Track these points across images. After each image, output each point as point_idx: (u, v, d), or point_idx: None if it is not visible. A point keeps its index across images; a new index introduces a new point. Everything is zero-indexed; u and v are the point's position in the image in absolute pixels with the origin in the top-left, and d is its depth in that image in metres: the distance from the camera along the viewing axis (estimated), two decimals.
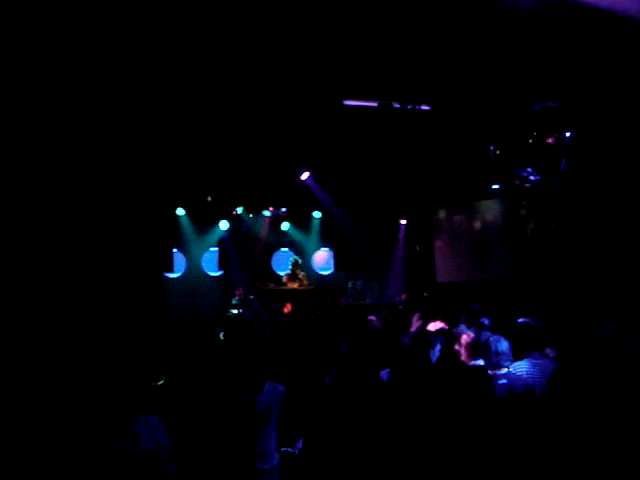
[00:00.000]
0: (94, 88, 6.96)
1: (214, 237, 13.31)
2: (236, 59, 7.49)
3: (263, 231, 13.84)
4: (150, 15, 6.32)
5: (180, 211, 12.59)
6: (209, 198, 12.70)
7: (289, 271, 12.38)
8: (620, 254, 9.20)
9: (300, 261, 12.55)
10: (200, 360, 4.88)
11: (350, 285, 13.22)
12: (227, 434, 3.67)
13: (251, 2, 6.07)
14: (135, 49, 6.80)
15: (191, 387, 4.16)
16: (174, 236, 12.17)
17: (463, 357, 4.76)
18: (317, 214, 13.76)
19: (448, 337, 5.09)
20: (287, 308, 10.67)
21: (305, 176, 12.24)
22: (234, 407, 3.76)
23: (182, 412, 3.88)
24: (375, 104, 9.07)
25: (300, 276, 12.23)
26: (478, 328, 6.36)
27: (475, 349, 4.65)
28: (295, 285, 12.03)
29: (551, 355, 4.81)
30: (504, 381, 4.12)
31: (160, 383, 4.02)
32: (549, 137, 7.51)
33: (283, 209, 13.67)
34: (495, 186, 11.70)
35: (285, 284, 12.20)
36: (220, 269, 13.18)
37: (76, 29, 5.97)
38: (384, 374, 4.37)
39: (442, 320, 6.12)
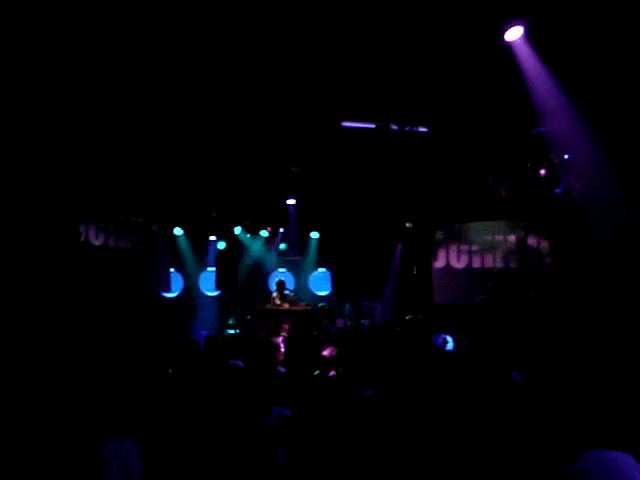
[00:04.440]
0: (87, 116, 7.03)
1: (211, 257, 13.29)
2: (237, 80, 7.57)
3: (260, 251, 13.85)
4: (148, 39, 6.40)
5: (178, 231, 12.59)
6: (214, 214, 12.78)
7: (275, 292, 12.17)
8: (620, 272, 9.17)
9: (284, 280, 12.43)
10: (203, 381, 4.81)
11: (348, 307, 13.09)
12: (227, 457, 3.59)
13: (247, 20, 6.15)
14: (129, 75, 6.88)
15: (193, 408, 4.09)
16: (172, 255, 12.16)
17: None
18: (315, 234, 13.77)
19: None
20: (284, 329, 10.62)
21: (291, 202, 12.48)
22: (237, 429, 3.66)
23: (182, 433, 3.81)
24: (373, 126, 9.14)
25: (287, 293, 12.10)
26: None
27: None
28: (287, 305, 11.93)
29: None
30: None
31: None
32: (546, 160, 7.58)
33: (281, 229, 13.68)
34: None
35: (280, 305, 12.12)
36: (217, 289, 13.13)
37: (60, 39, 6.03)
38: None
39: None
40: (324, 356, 5.48)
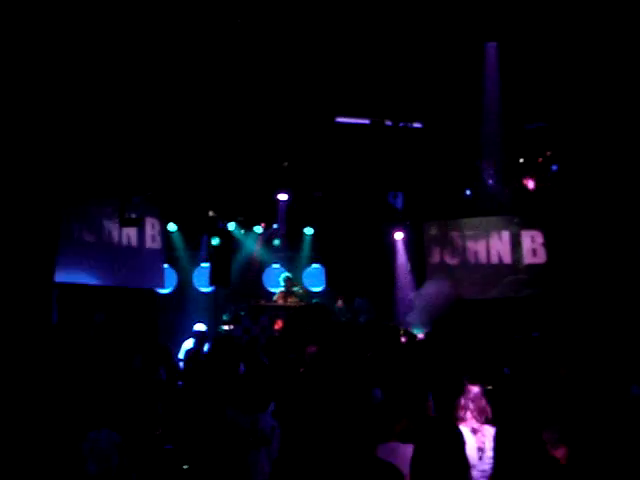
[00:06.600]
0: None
1: (205, 253, 13.22)
2: (232, 76, 7.53)
3: (254, 247, 13.79)
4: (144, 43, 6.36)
5: (172, 226, 12.51)
6: (210, 213, 12.73)
7: (282, 288, 12.21)
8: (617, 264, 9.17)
9: (291, 276, 12.45)
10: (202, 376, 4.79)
11: (338, 303, 12.86)
12: (224, 450, 3.57)
13: (243, 16, 6.12)
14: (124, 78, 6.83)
15: (192, 403, 4.08)
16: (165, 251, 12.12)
17: None
18: (309, 230, 13.71)
19: None
20: (278, 324, 10.62)
21: (283, 197, 12.31)
22: (235, 423, 3.64)
23: (182, 426, 3.79)
24: (367, 121, 9.12)
25: (296, 289, 12.09)
26: None
27: None
28: (288, 302, 11.89)
29: None
30: None
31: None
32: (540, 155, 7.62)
33: (275, 225, 13.63)
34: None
35: (276, 301, 12.08)
36: (211, 285, 13.07)
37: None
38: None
39: None
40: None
